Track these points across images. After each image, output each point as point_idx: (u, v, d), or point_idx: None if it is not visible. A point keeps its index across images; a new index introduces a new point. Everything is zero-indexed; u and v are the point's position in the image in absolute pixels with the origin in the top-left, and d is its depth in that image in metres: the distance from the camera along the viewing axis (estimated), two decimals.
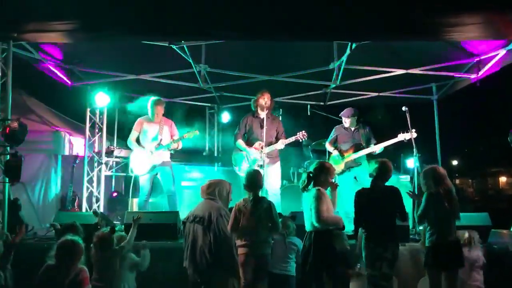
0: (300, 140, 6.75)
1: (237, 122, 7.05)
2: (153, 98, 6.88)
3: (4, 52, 5.68)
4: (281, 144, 6.64)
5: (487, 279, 4.69)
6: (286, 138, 6.70)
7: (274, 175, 6.69)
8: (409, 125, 6.28)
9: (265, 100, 6.62)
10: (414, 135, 6.32)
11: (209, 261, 4.37)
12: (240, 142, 6.81)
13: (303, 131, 6.63)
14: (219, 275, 4.40)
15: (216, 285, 4.40)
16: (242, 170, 6.65)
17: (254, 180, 4.50)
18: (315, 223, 4.13)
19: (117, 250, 4.37)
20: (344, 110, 7.13)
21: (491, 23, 5.01)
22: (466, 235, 4.72)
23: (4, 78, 5.65)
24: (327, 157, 7.37)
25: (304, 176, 4.37)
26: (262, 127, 6.54)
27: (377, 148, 6.69)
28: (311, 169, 4.40)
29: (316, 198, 4.18)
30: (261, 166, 6.41)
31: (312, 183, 4.30)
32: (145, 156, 6.66)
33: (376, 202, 4.31)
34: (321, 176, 4.32)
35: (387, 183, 4.47)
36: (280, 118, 7.18)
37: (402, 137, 6.47)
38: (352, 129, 7.05)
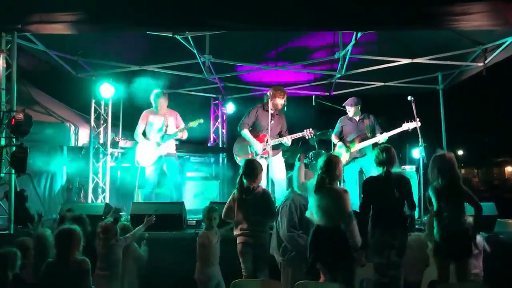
0: (307, 137, 6.75)
1: (242, 113, 7.02)
2: (156, 91, 6.91)
3: (9, 43, 5.68)
4: (288, 140, 6.60)
5: (492, 268, 4.67)
6: (289, 133, 6.71)
7: (280, 165, 6.68)
8: (415, 114, 6.25)
9: (283, 101, 6.60)
10: (419, 124, 6.28)
11: None
12: (246, 132, 6.70)
13: (310, 129, 6.63)
14: None
15: None
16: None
17: (251, 169, 4.51)
18: (345, 221, 4.14)
19: (121, 240, 4.43)
20: (348, 100, 7.12)
21: (498, 11, 4.96)
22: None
23: (9, 69, 5.65)
24: (332, 148, 7.36)
25: (318, 177, 4.25)
26: (271, 120, 6.48)
27: (381, 137, 6.67)
28: (319, 168, 4.30)
29: (345, 198, 4.18)
30: (265, 158, 6.41)
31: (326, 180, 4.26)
32: (151, 147, 6.69)
33: (386, 189, 4.27)
34: (336, 171, 4.28)
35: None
36: (285, 109, 7.14)
37: (406, 126, 6.44)
38: (357, 119, 7.04)
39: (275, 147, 6.65)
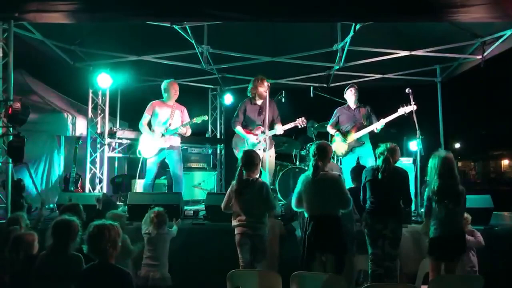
0: (300, 127, 6.76)
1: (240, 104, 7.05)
2: (167, 80, 6.88)
3: (5, 32, 5.65)
4: (280, 130, 6.67)
5: (487, 261, 4.70)
6: (281, 122, 6.74)
7: (272, 159, 6.77)
8: (411, 102, 6.23)
9: (265, 88, 6.54)
10: (415, 107, 6.24)
11: None
12: (239, 129, 6.81)
13: (303, 118, 6.66)
14: None
15: None
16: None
17: (250, 160, 4.50)
18: (347, 207, 4.21)
19: (170, 231, 4.63)
20: (351, 85, 7.16)
21: (497, 4, 4.95)
22: None
23: (6, 58, 5.63)
24: (329, 139, 7.36)
25: (313, 163, 4.26)
26: (260, 114, 6.58)
27: (378, 124, 6.67)
28: (312, 155, 4.31)
29: (343, 184, 4.26)
30: (263, 150, 6.43)
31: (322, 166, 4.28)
32: (154, 139, 6.65)
33: (384, 181, 4.30)
34: (328, 156, 4.35)
35: None
36: (283, 100, 7.14)
37: (402, 111, 6.41)
38: (353, 108, 7.04)
39: (270, 140, 6.67)
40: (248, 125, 6.83)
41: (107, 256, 3.10)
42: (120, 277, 3.10)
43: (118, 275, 3.10)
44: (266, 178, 6.41)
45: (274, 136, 6.83)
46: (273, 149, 6.93)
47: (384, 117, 6.72)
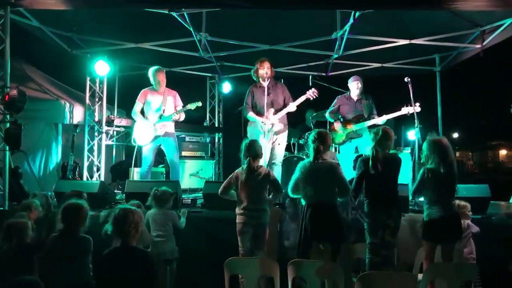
0: (311, 98, 6.48)
1: (238, 92, 7.00)
2: (153, 67, 6.81)
3: (2, 18, 5.60)
4: (293, 106, 6.45)
5: (484, 250, 4.71)
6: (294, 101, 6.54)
7: (282, 145, 6.65)
8: (412, 97, 6.21)
9: (265, 70, 6.43)
10: (418, 109, 6.25)
11: None
12: (251, 114, 6.58)
13: (313, 89, 6.43)
14: None
15: None
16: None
17: (257, 150, 4.51)
18: (346, 196, 4.27)
19: (173, 212, 4.86)
20: (355, 76, 7.10)
21: None
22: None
23: (2, 45, 5.58)
24: (327, 127, 7.34)
25: (314, 147, 4.27)
26: (269, 94, 6.38)
27: (379, 120, 6.66)
28: (312, 141, 4.32)
29: (340, 171, 4.28)
30: (274, 133, 6.35)
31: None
32: (148, 127, 6.63)
33: (379, 170, 4.28)
34: (328, 143, 4.36)
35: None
36: (282, 81, 7.06)
37: (405, 110, 6.40)
38: (355, 99, 7.01)
39: (283, 123, 6.54)
40: (256, 108, 6.63)
41: (129, 238, 3.31)
42: (144, 259, 3.32)
43: (141, 257, 3.32)
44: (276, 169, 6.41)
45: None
46: (283, 135, 6.64)
47: (387, 113, 6.70)
